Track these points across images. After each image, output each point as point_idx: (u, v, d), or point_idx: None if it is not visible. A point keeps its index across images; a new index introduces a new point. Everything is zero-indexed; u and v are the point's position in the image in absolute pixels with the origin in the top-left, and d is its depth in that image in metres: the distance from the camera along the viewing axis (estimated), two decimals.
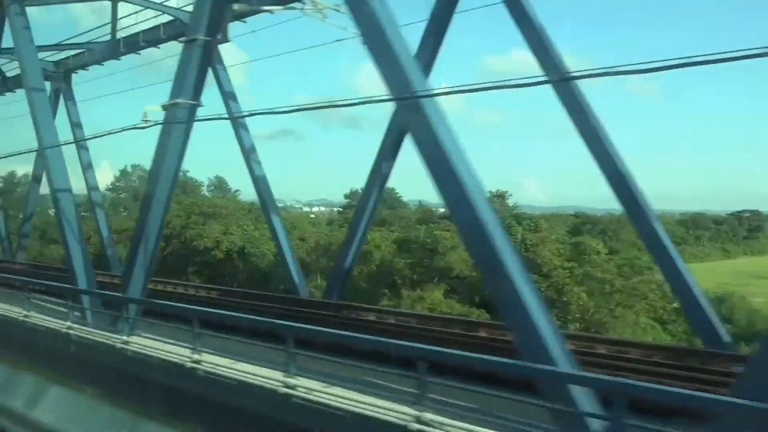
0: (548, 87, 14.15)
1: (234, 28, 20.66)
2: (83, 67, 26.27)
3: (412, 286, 31.82)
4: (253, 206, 44.13)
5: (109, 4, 21.36)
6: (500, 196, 48.00)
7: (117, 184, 72.57)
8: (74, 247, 14.84)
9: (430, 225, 37.17)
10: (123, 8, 21.85)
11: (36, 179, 30.79)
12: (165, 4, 20.65)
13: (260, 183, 20.78)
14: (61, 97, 27.51)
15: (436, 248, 31.81)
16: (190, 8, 19.65)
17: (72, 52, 25.93)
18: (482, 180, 8.26)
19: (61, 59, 26.49)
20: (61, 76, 26.96)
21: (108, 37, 23.60)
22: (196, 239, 40.03)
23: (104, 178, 73.75)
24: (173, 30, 21.59)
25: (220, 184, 70.11)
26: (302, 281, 20.94)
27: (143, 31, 22.68)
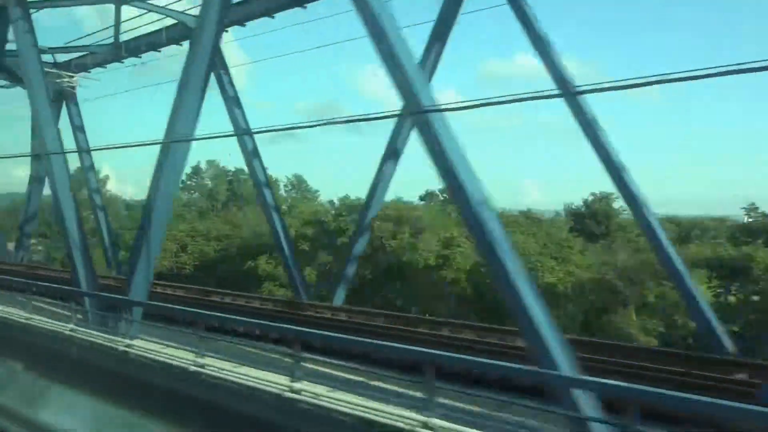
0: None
1: (234, 30, 20.81)
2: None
3: None
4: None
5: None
6: (604, 199, 37.27)
7: (188, 183, 63.04)
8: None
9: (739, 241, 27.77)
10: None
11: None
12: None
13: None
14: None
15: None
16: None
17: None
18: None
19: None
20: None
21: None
22: (410, 253, 29.49)
23: (108, 185, 62.23)
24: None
25: (298, 184, 62.27)
26: None
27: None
